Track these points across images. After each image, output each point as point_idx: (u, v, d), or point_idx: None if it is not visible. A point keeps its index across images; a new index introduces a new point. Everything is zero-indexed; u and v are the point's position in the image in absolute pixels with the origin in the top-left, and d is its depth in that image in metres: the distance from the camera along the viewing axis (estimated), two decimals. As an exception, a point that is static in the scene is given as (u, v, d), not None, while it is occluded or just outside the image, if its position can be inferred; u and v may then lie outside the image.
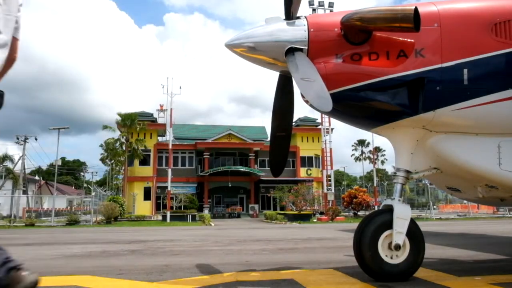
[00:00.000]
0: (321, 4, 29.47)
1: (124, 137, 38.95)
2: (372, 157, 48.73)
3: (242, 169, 40.65)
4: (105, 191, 48.06)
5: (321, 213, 29.90)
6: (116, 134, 40.74)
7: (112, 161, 48.21)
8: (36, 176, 58.43)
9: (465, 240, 9.34)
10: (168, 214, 27.67)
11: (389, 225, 4.01)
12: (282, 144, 5.22)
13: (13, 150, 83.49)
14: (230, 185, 39.56)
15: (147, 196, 40.06)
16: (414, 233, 4.07)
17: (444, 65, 4.01)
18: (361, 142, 63.26)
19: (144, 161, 40.68)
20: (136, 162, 40.29)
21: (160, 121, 43.03)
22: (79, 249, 7.91)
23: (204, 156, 42.26)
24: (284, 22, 4.22)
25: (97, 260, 6.11)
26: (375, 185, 36.05)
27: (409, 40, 4.04)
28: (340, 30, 4.10)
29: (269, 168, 5.61)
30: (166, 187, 31.88)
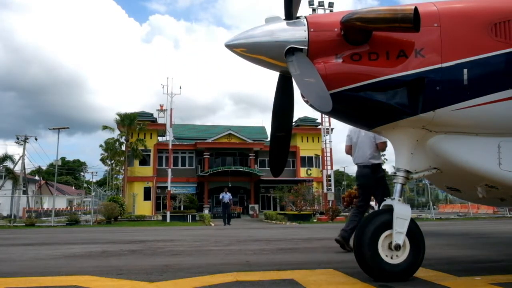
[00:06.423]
0: (321, 4, 29.54)
1: (124, 137, 39.01)
2: (372, 157, 48.65)
3: (242, 169, 40.68)
4: (105, 191, 48.16)
5: (321, 213, 29.89)
6: (116, 134, 40.80)
7: (112, 161, 48.25)
8: (36, 176, 58.43)
9: (465, 240, 9.33)
10: (168, 214, 27.70)
11: (389, 225, 4.01)
12: (282, 144, 5.20)
13: (13, 150, 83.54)
14: (230, 185, 39.60)
15: (147, 196, 40.11)
16: (414, 233, 4.07)
17: (444, 65, 4.00)
18: (361, 142, 63.15)
19: (144, 161, 40.72)
20: (136, 162, 40.34)
21: (160, 121, 43.06)
22: (79, 249, 7.91)
23: (204, 156, 42.29)
24: (284, 22, 4.21)
25: (97, 260, 6.10)
26: (375, 185, 36.01)
27: (409, 40, 4.03)
28: (340, 30, 4.09)
29: (269, 168, 5.60)
30: (166, 187, 31.91)
